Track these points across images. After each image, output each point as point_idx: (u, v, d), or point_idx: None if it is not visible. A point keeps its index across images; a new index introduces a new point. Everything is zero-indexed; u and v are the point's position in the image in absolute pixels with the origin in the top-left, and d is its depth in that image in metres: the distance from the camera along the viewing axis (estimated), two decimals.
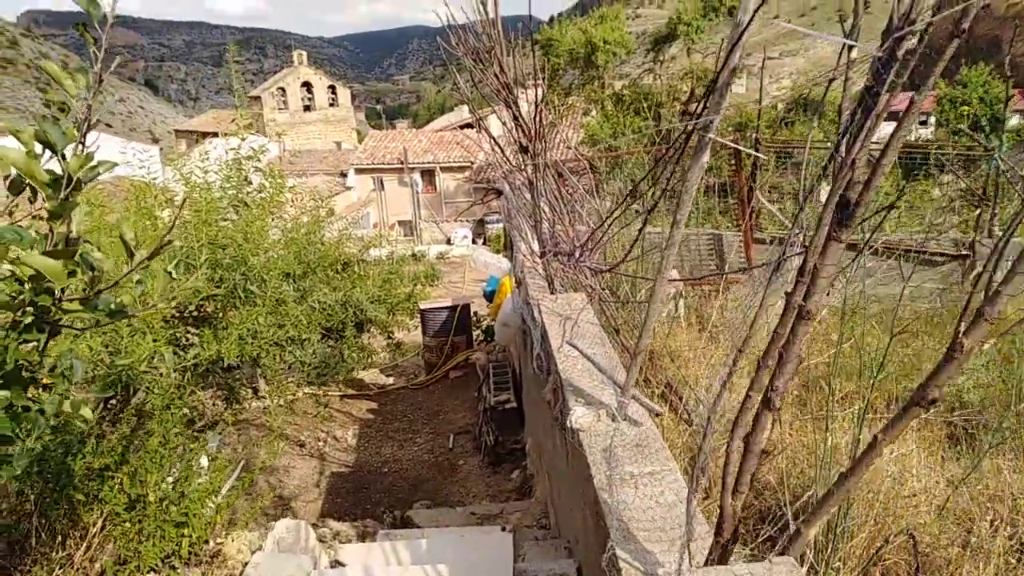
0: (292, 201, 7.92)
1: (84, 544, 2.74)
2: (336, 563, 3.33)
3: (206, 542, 2.91)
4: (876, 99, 1.23)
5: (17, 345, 1.46)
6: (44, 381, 1.59)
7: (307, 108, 57.63)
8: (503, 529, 4.26)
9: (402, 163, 34.28)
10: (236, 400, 6.77)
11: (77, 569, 2.72)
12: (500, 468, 6.95)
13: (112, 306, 1.59)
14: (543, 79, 5.18)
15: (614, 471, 2.30)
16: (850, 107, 1.48)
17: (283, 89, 57.03)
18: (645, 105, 30.08)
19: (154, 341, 4.46)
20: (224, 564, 2.90)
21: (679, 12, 29.71)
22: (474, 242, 29.15)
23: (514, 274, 6.10)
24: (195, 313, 5.46)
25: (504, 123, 4.24)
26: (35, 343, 1.51)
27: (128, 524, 2.80)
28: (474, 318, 11.39)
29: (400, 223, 34.20)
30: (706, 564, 1.65)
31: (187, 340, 5.28)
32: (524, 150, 4.12)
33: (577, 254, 3.60)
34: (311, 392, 9.46)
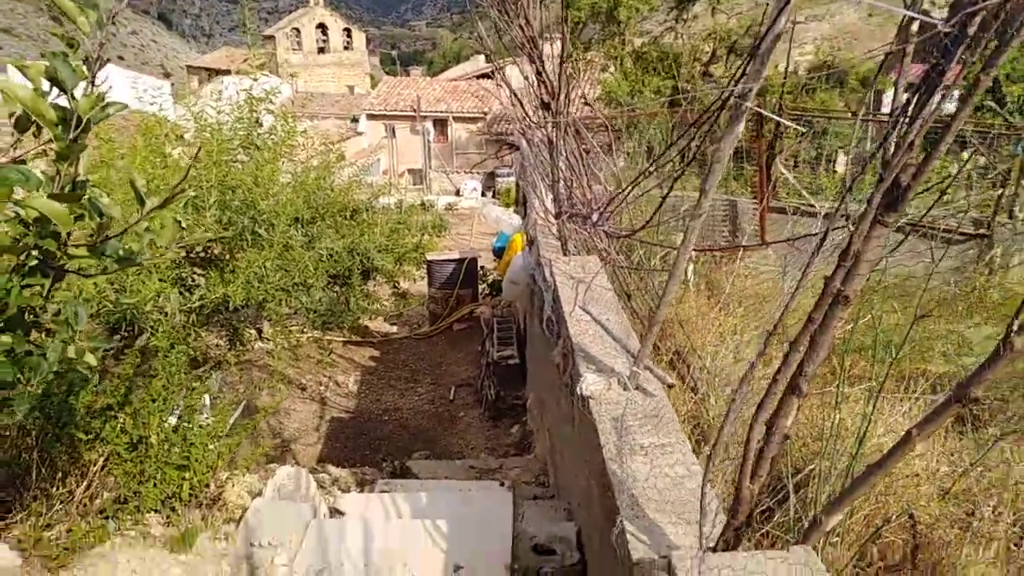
0: (303, 145, 7.81)
1: (85, 482, 2.74)
2: (335, 511, 3.34)
3: (207, 485, 2.90)
4: (941, 76, 1.15)
5: (20, 289, 1.41)
6: (47, 326, 1.55)
7: (321, 50, 56.74)
8: (502, 484, 4.27)
9: (415, 111, 33.83)
10: (240, 341, 6.78)
11: (77, 505, 2.73)
12: (500, 422, 6.98)
13: (120, 252, 1.54)
14: (566, 33, 5.03)
15: (624, 441, 2.27)
16: (901, 84, 1.39)
17: (297, 30, 56.09)
18: (664, 64, 29.46)
19: (160, 281, 4.42)
20: (224, 508, 2.91)
21: None
22: (484, 195, 28.94)
23: (526, 231, 6.03)
24: (202, 254, 5.42)
25: (526, 77, 4.12)
26: (39, 287, 1.46)
27: (129, 464, 2.79)
28: (480, 272, 11.36)
29: (410, 171, 33.93)
30: (716, 546, 1.62)
31: (193, 281, 5.25)
32: (546, 106, 4.01)
33: (594, 217, 3.52)
34: (315, 337, 9.48)
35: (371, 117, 35.20)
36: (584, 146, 4.41)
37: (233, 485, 2.95)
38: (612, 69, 29.19)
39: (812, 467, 3.23)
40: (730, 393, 3.59)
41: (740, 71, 2.09)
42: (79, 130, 1.47)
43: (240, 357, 6.76)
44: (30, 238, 1.40)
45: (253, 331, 7.13)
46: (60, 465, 2.75)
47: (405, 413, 7.61)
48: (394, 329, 11.16)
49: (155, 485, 2.77)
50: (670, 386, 2.70)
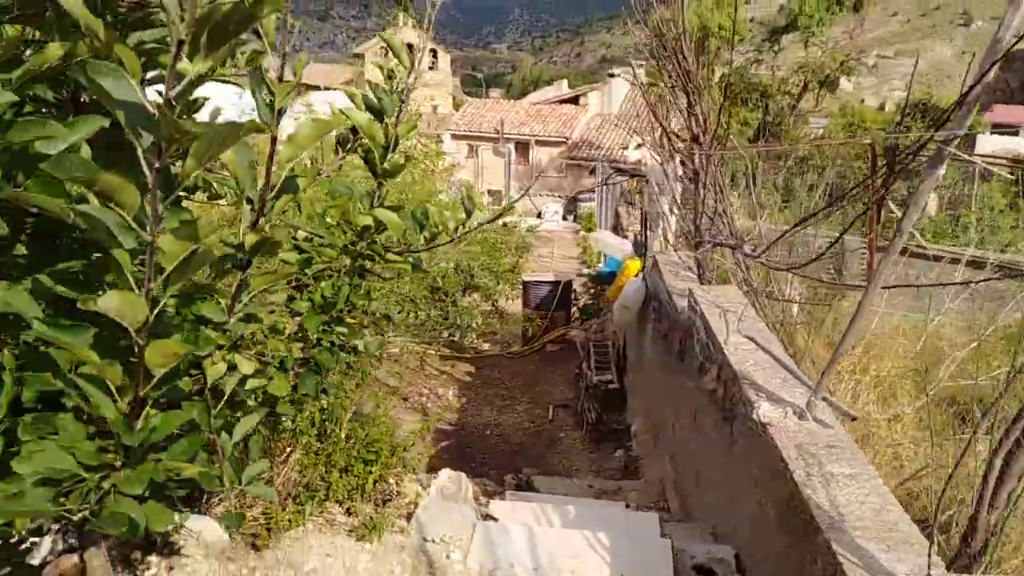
0: (424, 162, 8.15)
1: (283, 467, 2.98)
2: (488, 516, 3.50)
3: (387, 480, 3.11)
4: None
5: (350, 289, 1.61)
6: (349, 320, 1.75)
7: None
8: (627, 506, 4.38)
9: (498, 132, 34.36)
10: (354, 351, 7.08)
11: (276, 489, 2.96)
12: (602, 445, 7.06)
13: (413, 260, 1.74)
14: (730, 73, 5.15)
15: (813, 469, 2.36)
16: None
17: (385, 49, 57.73)
18: (752, 96, 29.23)
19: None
20: (399, 503, 3.10)
21: (801, 2, 28.60)
22: (564, 218, 29.13)
23: (647, 258, 6.15)
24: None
25: (681, 111, 4.26)
26: (360, 287, 1.67)
27: (320, 455, 3.01)
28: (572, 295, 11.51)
29: (490, 192, 34.37)
30: (950, 570, 1.70)
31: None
32: (695, 140, 4.14)
33: (746, 248, 3.62)
34: (414, 348, 9.78)
35: (455, 137, 35.90)
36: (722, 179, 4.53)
37: (408, 482, 3.15)
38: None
39: (952, 511, 3.24)
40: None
41: (945, 117, 2.20)
42: (392, 150, 1.68)
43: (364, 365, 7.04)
44: (361, 244, 1.61)
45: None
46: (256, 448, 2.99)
47: (506, 429, 7.77)
48: (487, 346, 11.39)
49: (342, 476, 2.98)
50: (853, 419, 2.77)
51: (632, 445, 6.76)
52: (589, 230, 24.86)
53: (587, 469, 6.57)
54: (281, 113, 1.20)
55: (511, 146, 34.71)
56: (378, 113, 1.66)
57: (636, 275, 6.53)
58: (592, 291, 12.33)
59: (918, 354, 6.82)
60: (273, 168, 1.21)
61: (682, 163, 4.82)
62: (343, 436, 3.05)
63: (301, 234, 1.64)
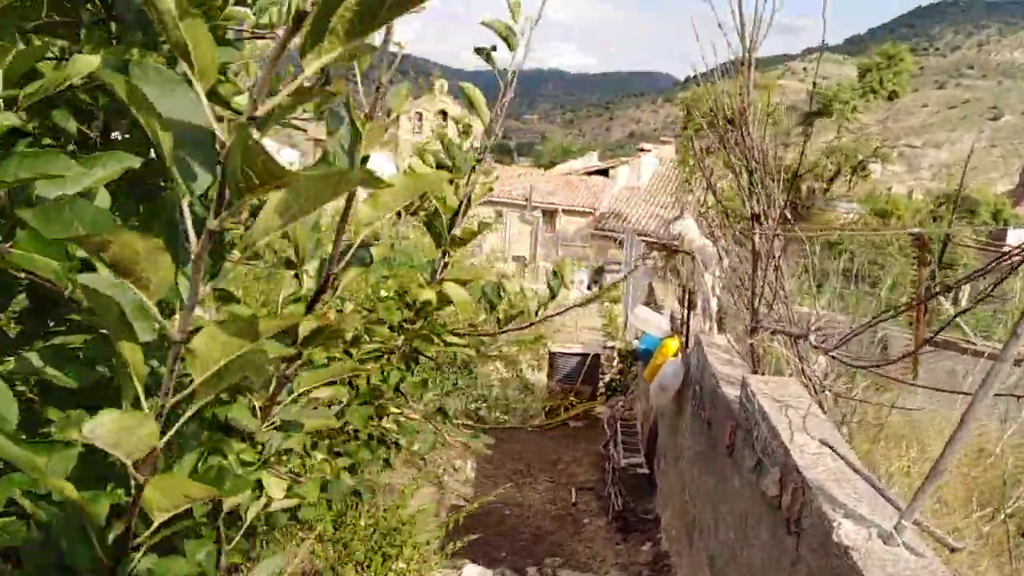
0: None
1: (295, 559, 2.67)
2: None
3: None
4: None
5: (402, 375, 1.35)
6: (394, 410, 1.49)
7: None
8: None
9: (526, 200, 34.56)
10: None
11: None
12: (629, 536, 6.62)
13: (475, 342, 1.48)
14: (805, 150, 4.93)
15: None
16: None
17: (420, 114, 59.16)
18: (784, 178, 29.19)
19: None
20: None
21: (836, 90, 28.84)
22: (589, 288, 28.92)
23: (689, 338, 5.85)
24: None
25: (740, 186, 4.04)
26: (412, 372, 1.41)
27: (335, 544, 2.71)
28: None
29: (515, 258, 34.35)
30: None
31: None
32: (756, 218, 3.90)
33: (812, 339, 3.32)
34: (430, 415, 9.43)
35: (483, 203, 36.12)
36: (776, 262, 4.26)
37: None
38: (729, 177, 29.23)
39: None
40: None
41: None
42: (463, 215, 1.44)
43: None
44: (420, 323, 1.35)
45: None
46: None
47: (526, 510, 7.36)
48: (507, 418, 11.01)
49: (359, 572, 2.67)
50: (953, 550, 2.42)
51: (661, 538, 6.33)
52: (614, 302, 24.61)
53: (612, 562, 6.12)
54: (365, 160, 0.96)
55: (539, 213, 34.85)
56: (448, 171, 1.44)
57: (675, 355, 6.22)
58: (620, 366, 11.98)
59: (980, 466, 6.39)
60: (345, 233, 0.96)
61: (738, 243, 4.58)
62: (363, 523, 2.75)
63: (348, 305, 1.40)
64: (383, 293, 1.38)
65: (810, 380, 3.74)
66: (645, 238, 23.54)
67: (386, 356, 1.36)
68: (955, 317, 2.72)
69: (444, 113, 59.67)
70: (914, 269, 8.26)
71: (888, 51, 30.95)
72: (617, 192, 34.78)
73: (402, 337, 1.34)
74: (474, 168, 1.45)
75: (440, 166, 1.43)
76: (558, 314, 1.38)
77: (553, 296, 1.40)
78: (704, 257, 5.39)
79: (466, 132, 1.49)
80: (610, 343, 18.71)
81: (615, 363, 13.11)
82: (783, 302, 3.87)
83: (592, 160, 46.04)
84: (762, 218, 3.86)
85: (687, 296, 5.68)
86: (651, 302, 9.84)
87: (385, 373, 1.33)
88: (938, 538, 2.35)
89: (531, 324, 1.41)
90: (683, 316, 6.07)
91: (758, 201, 3.87)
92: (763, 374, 4.17)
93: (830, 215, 30.38)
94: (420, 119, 58.48)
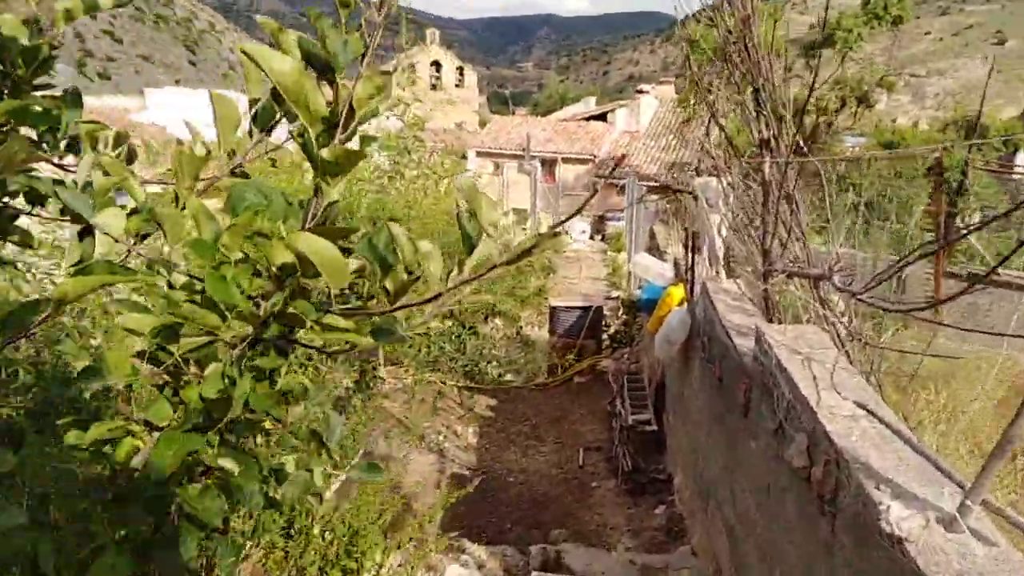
0: (440, 176, 7.46)
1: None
2: None
3: None
4: None
5: (254, 380, 0.88)
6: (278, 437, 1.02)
7: (433, 87, 58.25)
8: None
9: (523, 150, 33.78)
10: (368, 383, 6.38)
11: None
12: (640, 499, 6.24)
13: (379, 324, 1.00)
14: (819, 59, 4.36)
15: None
16: None
17: (413, 66, 57.83)
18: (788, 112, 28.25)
19: None
20: None
21: (838, 18, 27.68)
22: (591, 238, 28.39)
23: (695, 285, 5.37)
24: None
25: (747, 109, 3.51)
26: (273, 380, 0.94)
27: (289, 557, 2.27)
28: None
29: (515, 211, 33.73)
30: None
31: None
32: (765, 144, 3.38)
33: (836, 280, 2.82)
34: (430, 379, 9.03)
35: (480, 154, 35.39)
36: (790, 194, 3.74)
37: None
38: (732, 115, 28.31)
39: None
40: None
41: None
42: (350, 131, 0.95)
43: (367, 400, 6.33)
44: (277, 298, 0.88)
45: (383, 371, 6.72)
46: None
47: (530, 476, 6.98)
48: (509, 377, 10.61)
49: None
50: None
51: (674, 500, 5.95)
52: (618, 251, 24.04)
53: (624, 528, 5.75)
54: None
55: (537, 163, 34.07)
56: (324, 66, 0.95)
57: (680, 304, 5.76)
58: (624, 317, 11.53)
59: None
60: None
61: (745, 176, 4.06)
62: (317, 531, 2.31)
63: (178, 278, 0.93)
64: (226, 252, 0.89)
65: (834, 327, 3.27)
66: (647, 183, 22.89)
67: (233, 351, 0.89)
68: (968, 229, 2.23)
69: (438, 64, 58.32)
70: (930, 198, 7.71)
71: None
72: (617, 137, 33.96)
73: (248, 324, 0.87)
74: (363, 58, 0.96)
75: (308, 57, 0.94)
76: (473, 279, 0.90)
77: (471, 248, 0.92)
78: (708, 194, 4.87)
79: (346, 4, 0.98)
80: (614, 293, 18.27)
81: (619, 314, 12.66)
82: (798, 240, 3.38)
83: (590, 105, 44.98)
84: (772, 144, 3.35)
85: (691, 239, 5.18)
86: (653, 248, 9.34)
87: (228, 380, 0.87)
88: (1014, 522, 1.89)
89: (436, 296, 0.93)
90: (687, 261, 5.58)
91: (767, 124, 3.34)
92: (779, 323, 3.70)
93: (836, 149, 29.51)
94: (413, 70, 57.28)
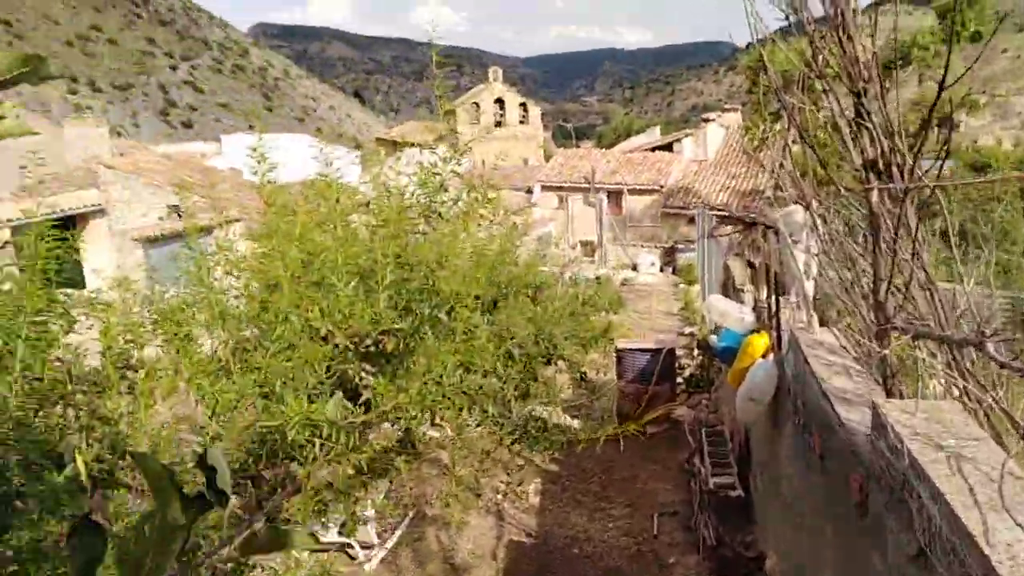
0: (488, 214, 6.84)
1: None
2: None
3: None
4: None
5: None
6: None
7: (498, 124, 58.59)
8: None
9: (588, 182, 33.24)
10: (412, 443, 5.78)
11: None
12: None
13: None
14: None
15: None
16: None
17: (477, 104, 58.39)
18: (804, 138, 26.79)
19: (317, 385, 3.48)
20: None
21: (914, 35, 26.16)
22: (661, 270, 27.44)
23: (778, 333, 4.59)
24: (372, 348, 4.43)
25: (842, 124, 2.78)
26: None
27: None
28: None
29: (582, 243, 33.13)
30: None
31: (360, 380, 4.26)
32: (872, 167, 2.65)
33: (993, 349, 2.05)
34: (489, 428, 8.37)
35: (545, 188, 35.01)
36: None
37: None
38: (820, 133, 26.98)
39: None
40: None
41: None
42: None
43: (412, 463, 5.73)
44: None
45: (429, 429, 6.12)
46: None
47: (597, 545, 6.22)
48: (575, 423, 9.86)
49: None
50: None
51: None
52: (690, 283, 23.02)
53: None
54: None
55: (603, 195, 33.43)
56: None
57: (764, 356, 4.96)
58: (700, 358, 10.66)
59: None
60: None
61: (844, 207, 3.32)
62: None
63: None
64: None
65: (980, 406, 2.48)
66: (717, 212, 21.87)
67: None
68: None
69: (501, 101, 58.63)
70: None
71: None
72: (684, 166, 33.10)
73: None
74: None
75: None
76: None
77: None
78: (791, 228, 4.11)
79: None
80: (687, 329, 17.29)
81: (694, 353, 11.75)
82: (925, 289, 2.60)
83: (655, 136, 44.22)
84: (881, 167, 2.61)
85: (772, 279, 4.42)
86: (729, 285, 8.50)
87: None
88: None
89: None
90: (770, 305, 4.80)
91: (872, 141, 2.61)
92: (900, 394, 2.91)
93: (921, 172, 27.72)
94: (477, 109, 57.70)
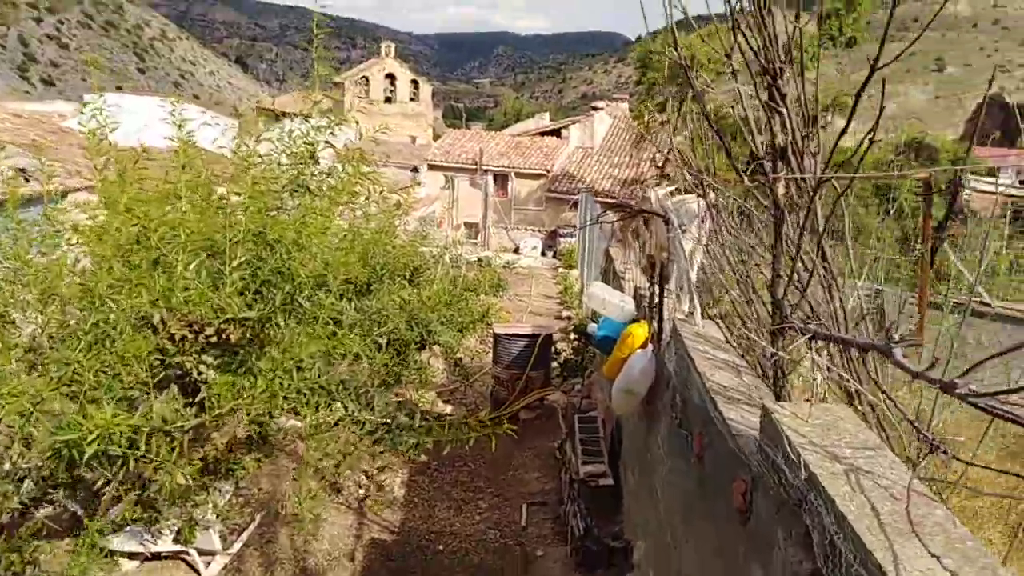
0: (367, 191, 6.31)
1: None
2: None
3: None
4: None
5: None
6: None
7: (388, 100, 57.11)
8: None
9: (476, 164, 32.93)
10: (265, 438, 5.25)
11: None
12: (593, 574, 5.24)
13: None
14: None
15: None
16: None
17: (367, 78, 56.61)
18: (711, 123, 27.89)
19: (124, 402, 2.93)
20: None
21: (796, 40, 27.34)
22: (543, 254, 27.57)
23: (660, 324, 4.41)
24: (214, 338, 3.86)
25: (754, 106, 2.56)
26: None
27: None
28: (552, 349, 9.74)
29: (467, 225, 32.86)
30: None
31: (199, 375, 3.70)
32: (780, 155, 2.43)
33: (897, 352, 1.86)
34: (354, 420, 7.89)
35: (432, 167, 34.39)
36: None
37: None
38: (687, 132, 27.80)
39: None
40: None
41: None
42: None
43: (264, 459, 5.20)
44: None
45: (285, 420, 5.59)
46: None
47: (463, 541, 5.92)
48: (448, 408, 9.54)
49: None
50: None
51: None
52: (569, 267, 23.21)
53: None
54: None
55: (489, 177, 33.23)
56: None
57: (644, 346, 4.79)
58: (576, 342, 10.58)
59: None
60: None
61: (744, 197, 3.12)
62: None
63: None
64: None
65: (873, 409, 2.32)
66: (601, 199, 22.09)
67: None
68: None
69: (392, 77, 57.02)
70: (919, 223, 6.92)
71: None
72: (570, 152, 33.40)
73: None
74: None
75: None
76: None
77: None
78: (683, 216, 3.92)
79: None
80: (565, 313, 17.34)
81: (570, 337, 11.69)
82: (826, 287, 2.42)
83: (544, 121, 44.43)
84: (790, 154, 2.40)
85: (657, 267, 4.23)
86: (610, 272, 8.40)
87: None
88: None
89: None
90: (652, 294, 4.63)
91: (783, 126, 2.39)
92: (787, 396, 2.74)
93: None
94: (367, 83, 55.89)
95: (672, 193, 4.23)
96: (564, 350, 10.49)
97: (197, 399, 3.44)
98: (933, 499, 1.82)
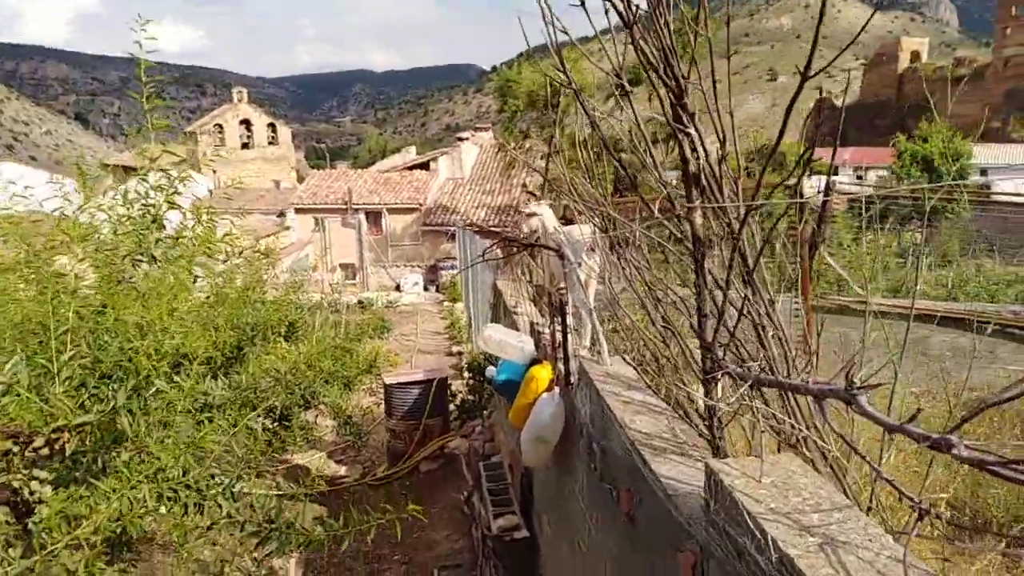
0: (226, 247, 5.68)
1: None
2: None
3: None
4: None
5: None
6: None
7: (245, 146, 55.03)
8: None
9: (346, 203, 32.09)
10: (128, 546, 4.51)
11: None
12: None
13: None
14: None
15: None
16: None
17: (220, 126, 54.32)
18: (609, 152, 28.63)
19: None
20: None
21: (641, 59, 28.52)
22: (426, 289, 27.06)
23: (566, 363, 4.09)
24: (45, 450, 3.17)
25: (642, 128, 2.28)
26: None
27: None
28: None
29: (343, 266, 31.88)
30: None
31: (31, 494, 3.02)
32: (695, 182, 2.16)
33: (862, 399, 1.61)
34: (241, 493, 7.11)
35: (299, 211, 33.21)
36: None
37: None
38: (552, 158, 28.21)
39: None
40: None
41: None
42: None
43: (131, 567, 4.44)
44: None
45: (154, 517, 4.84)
46: None
47: None
48: (342, 470, 8.87)
49: None
50: None
51: None
52: (453, 300, 22.82)
53: None
54: None
55: (361, 216, 32.47)
56: None
57: (549, 389, 4.47)
58: (471, 381, 10.17)
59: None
60: None
61: (647, 227, 2.86)
62: None
63: None
64: None
65: (824, 457, 2.07)
66: (478, 229, 21.94)
67: None
68: None
69: (247, 122, 54.89)
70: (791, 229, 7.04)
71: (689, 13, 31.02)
72: (441, 184, 33.23)
73: None
74: None
75: None
76: None
77: None
78: (575, 249, 3.64)
79: None
80: (455, 348, 16.91)
81: (465, 375, 11.28)
82: (759, 327, 2.16)
83: (411, 155, 44.10)
84: (704, 181, 2.14)
85: (557, 304, 3.92)
86: (499, 306, 8.09)
87: None
88: None
89: None
90: (554, 333, 4.32)
91: (694, 150, 2.13)
92: (724, 450, 2.46)
93: (654, 184, 30.30)
94: (221, 131, 53.52)
95: (562, 223, 3.96)
96: (460, 391, 10.07)
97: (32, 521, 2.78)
98: (929, 571, 1.56)
